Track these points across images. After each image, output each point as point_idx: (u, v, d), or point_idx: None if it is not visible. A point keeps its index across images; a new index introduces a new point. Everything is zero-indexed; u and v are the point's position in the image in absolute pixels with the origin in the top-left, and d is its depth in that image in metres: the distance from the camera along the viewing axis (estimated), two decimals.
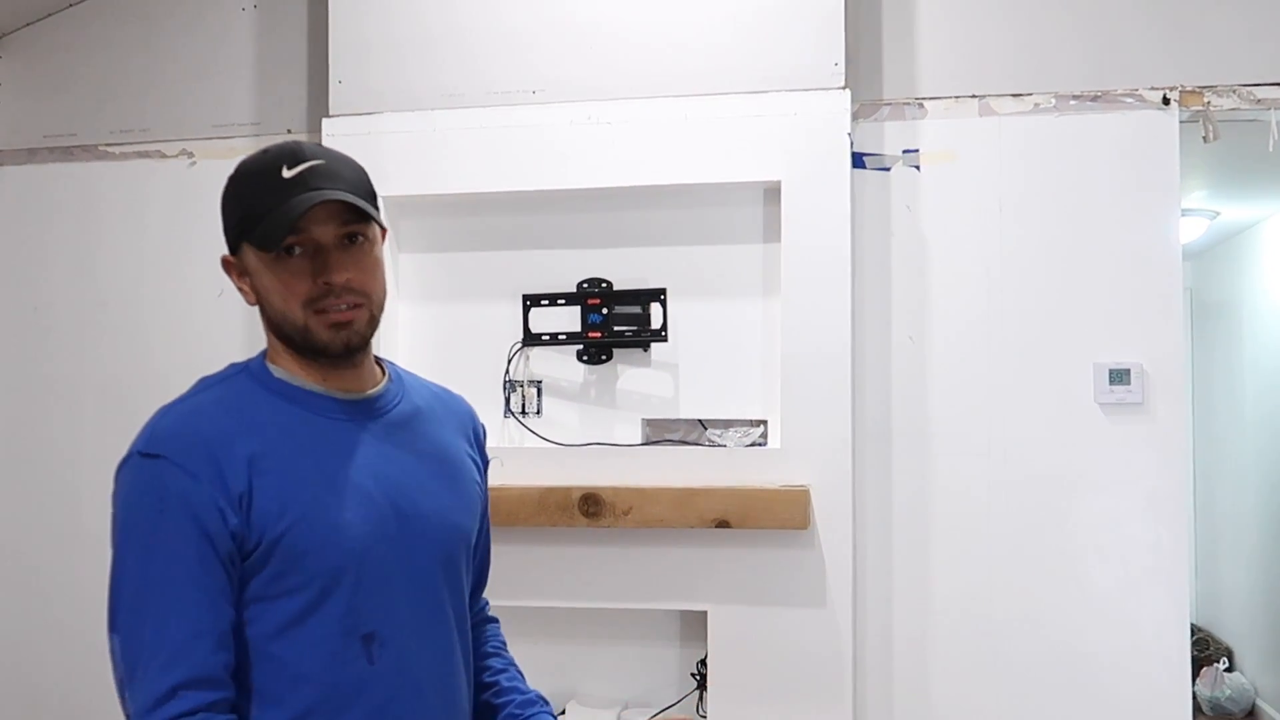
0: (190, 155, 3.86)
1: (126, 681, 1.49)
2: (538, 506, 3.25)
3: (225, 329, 3.79)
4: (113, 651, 1.52)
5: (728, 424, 3.36)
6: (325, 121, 3.53)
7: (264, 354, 1.77)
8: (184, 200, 3.85)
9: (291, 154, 1.65)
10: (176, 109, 3.88)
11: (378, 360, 1.82)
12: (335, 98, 3.54)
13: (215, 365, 3.76)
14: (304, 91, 3.79)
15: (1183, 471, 3.34)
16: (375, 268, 1.70)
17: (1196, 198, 5.27)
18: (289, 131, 3.79)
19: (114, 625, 1.53)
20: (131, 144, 3.90)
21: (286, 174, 1.63)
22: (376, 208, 1.72)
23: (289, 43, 3.81)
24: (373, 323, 1.71)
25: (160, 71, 3.91)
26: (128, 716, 1.49)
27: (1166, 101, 3.31)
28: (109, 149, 3.92)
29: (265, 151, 1.69)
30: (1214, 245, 6.48)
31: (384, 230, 1.77)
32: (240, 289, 1.75)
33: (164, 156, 3.88)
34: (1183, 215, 5.21)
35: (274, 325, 1.73)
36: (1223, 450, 6.66)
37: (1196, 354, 7.02)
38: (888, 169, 3.44)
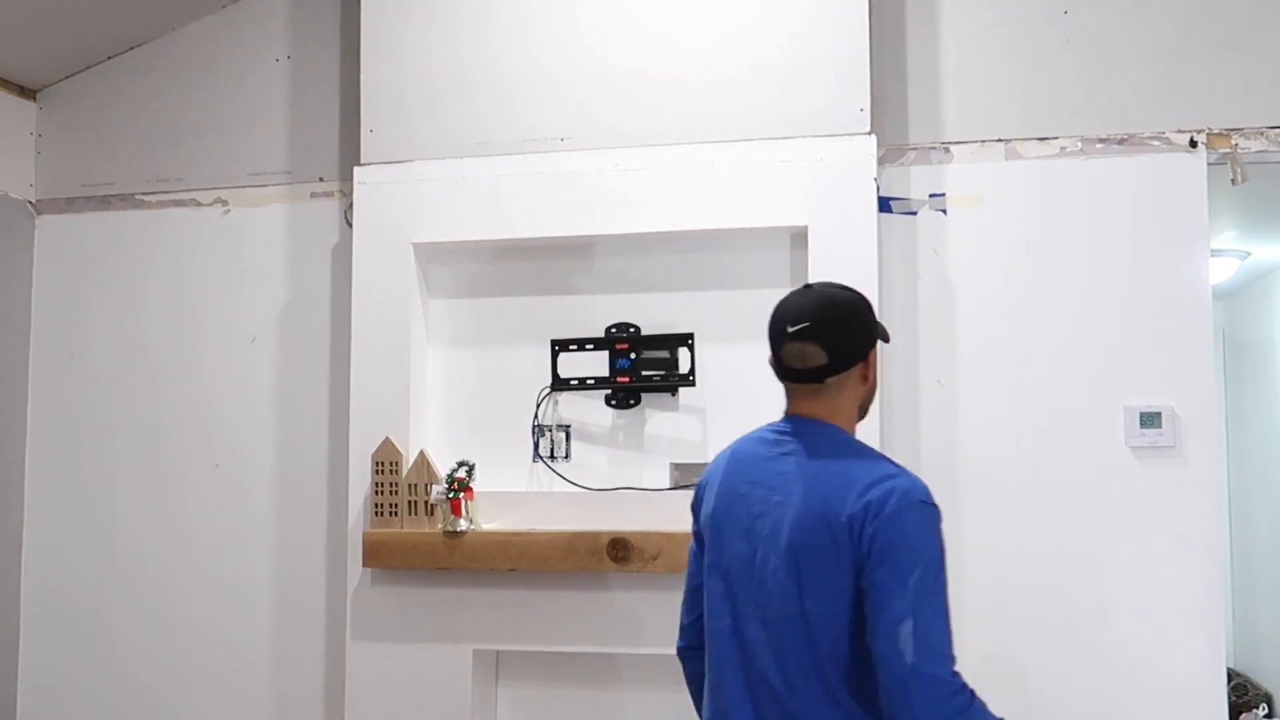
0: (225, 204, 3.92)
1: (935, 658, 1.89)
2: (566, 551, 3.25)
3: (257, 375, 3.84)
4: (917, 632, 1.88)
5: None
6: (357, 170, 3.58)
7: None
8: (219, 248, 3.92)
9: None
10: (211, 158, 3.95)
11: None
12: (367, 146, 3.60)
13: (248, 410, 3.84)
14: (336, 140, 3.84)
15: (1216, 515, 3.30)
16: None
17: (1227, 238, 5.24)
18: (320, 180, 3.84)
19: (928, 615, 1.90)
20: (167, 193, 3.97)
21: None
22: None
23: (321, 92, 3.88)
24: None
25: (195, 122, 3.99)
26: (927, 676, 1.87)
27: (1194, 144, 3.31)
28: (145, 198, 3.99)
29: None
30: (1246, 285, 6.44)
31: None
32: (865, 375, 2.16)
33: (199, 205, 3.95)
34: (1213, 256, 5.19)
35: (865, 403, 2.21)
36: (1258, 491, 6.57)
37: (1229, 395, 6.96)
38: (914, 213, 3.45)
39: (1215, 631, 3.22)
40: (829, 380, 2.13)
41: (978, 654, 3.28)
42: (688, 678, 2.36)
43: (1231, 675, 6.61)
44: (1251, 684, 6.61)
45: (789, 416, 2.21)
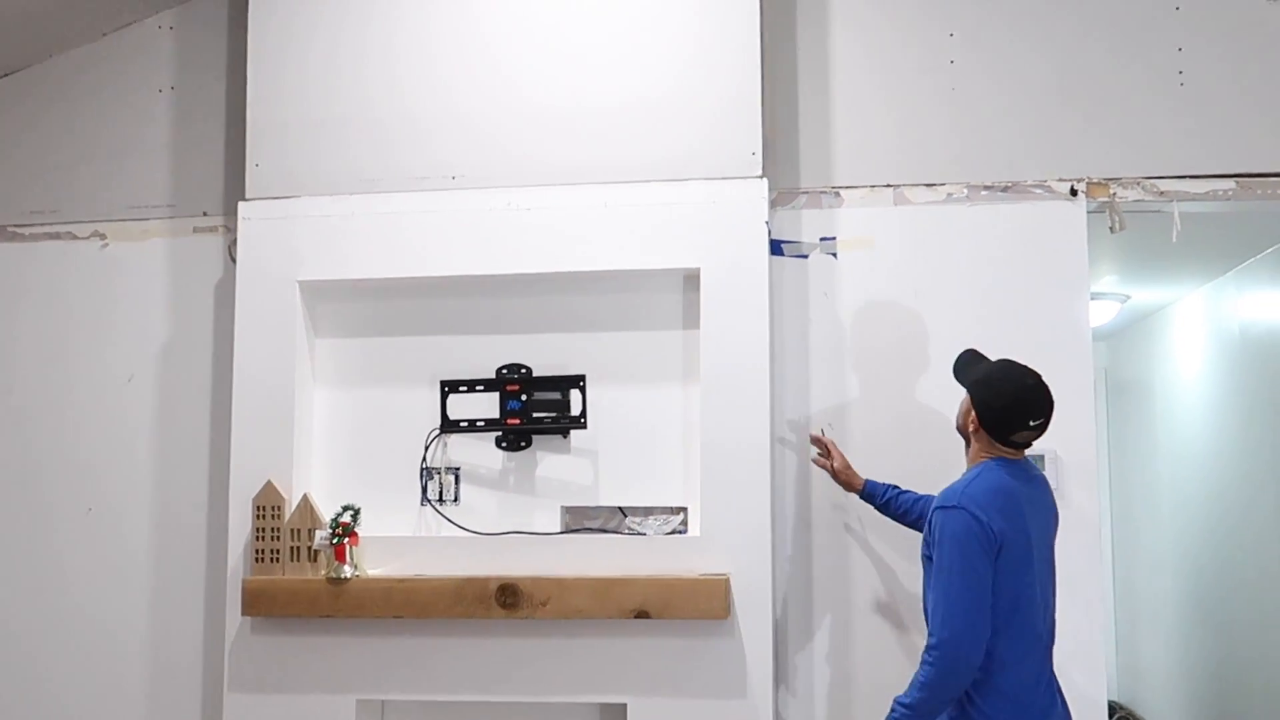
0: (103, 237, 3.79)
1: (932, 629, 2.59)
2: (454, 598, 3.18)
3: (134, 415, 3.71)
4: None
5: (648, 511, 3.34)
6: (242, 205, 3.49)
7: None
8: (96, 283, 3.78)
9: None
10: (89, 190, 3.82)
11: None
12: (252, 180, 3.51)
13: (124, 452, 3.71)
14: (221, 174, 3.75)
15: (1100, 556, 3.37)
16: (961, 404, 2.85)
17: (1108, 282, 5.39)
18: (204, 214, 3.74)
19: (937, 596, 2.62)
20: (42, 225, 3.83)
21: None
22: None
23: (206, 124, 3.78)
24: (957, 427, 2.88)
25: (73, 152, 3.85)
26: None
27: (1074, 193, 3.40)
28: (19, 230, 3.84)
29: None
30: (1127, 327, 6.63)
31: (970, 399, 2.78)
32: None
33: (75, 238, 3.81)
34: (1094, 299, 5.35)
35: None
36: (1140, 526, 6.75)
37: (1112, 432, 7.15)
38: (805, 256, 3.48)
39: (1097, 670, 3.27)
40: None
41: (866, 690, 3.31)
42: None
43: (1115, 708, 6.75)
44: (1134, 716, 6.77)
45: (1021, 460, 2.79)
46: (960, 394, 2.85)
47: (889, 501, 3.18)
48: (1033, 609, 2.68)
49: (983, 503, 2.63)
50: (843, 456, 3.26)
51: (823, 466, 3.28)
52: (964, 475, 2.77)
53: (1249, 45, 3.40)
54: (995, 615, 2.61)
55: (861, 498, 3.23)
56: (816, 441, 3.31)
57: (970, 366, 2.88)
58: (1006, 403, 2.72)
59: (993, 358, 2.92)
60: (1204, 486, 5.49)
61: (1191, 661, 5.83)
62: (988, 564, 2.60)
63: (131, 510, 3.69)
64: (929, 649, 2.59)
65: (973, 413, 2.75)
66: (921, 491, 3.15)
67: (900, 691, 2.62)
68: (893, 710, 2.62)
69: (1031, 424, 2.71)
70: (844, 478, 3.24)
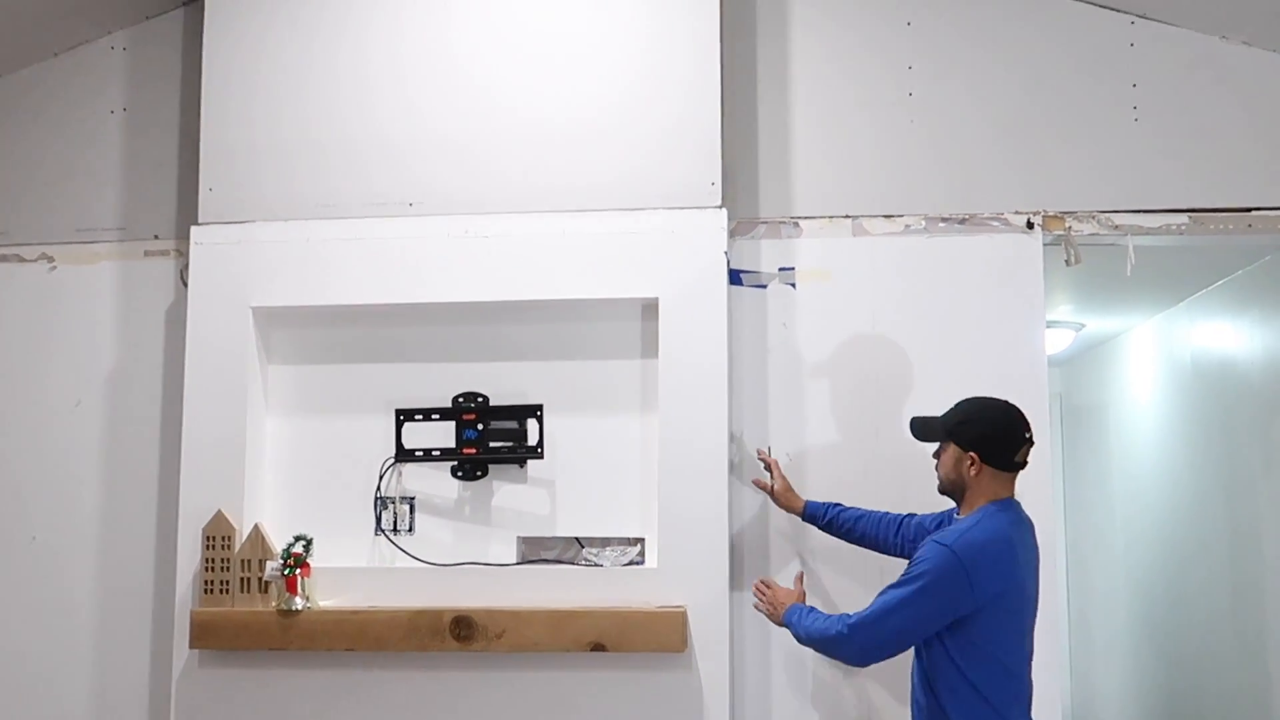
0: (51, 260, 3.73)
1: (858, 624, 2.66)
2: (407, 630, 3.14)
3: (81, 441, 3.64)
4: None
5: (605, 542, 3.31)
6: (194, 229, 3.44)
7: None
8: (43, 306, 3.71)
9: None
10: (37, 212, 3.76)
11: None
12: (205, 204, 3.46)
13: (70, 479, 3.64)
14: (174, 197, 3.69)
15: (1055, 585, 3.38)
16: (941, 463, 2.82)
17: (1063, 310, 5.44)
18: (156, 238, 3.68)
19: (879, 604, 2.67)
20: None
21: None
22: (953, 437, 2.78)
23: (159, 147, 3.72)
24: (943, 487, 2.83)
25: (21, 173, 3.79)
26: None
27: (1030, 226, 3.42)
28: None
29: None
30: (1081, 354, 6.70)
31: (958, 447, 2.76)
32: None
33: (23, 261, 3.74)
34: (1050, 327, 5.39)
35: None
36: (1093, 551, 6.80)
37: (1066, 456, 7.21)
38: (764, 286, 3.47)
39: (1053, 700, 3.27)
40: None
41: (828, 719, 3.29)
42: None
43: None
44: None
45: (1014, 499, 2.77)
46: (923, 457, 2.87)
47: (831, 520, 3.17)
48: (1024, 662, 2.70)
49: (977, 553, 2.61)
50: (784, 479, 3.25)
51: (762, 488, 3.26)
52: (967, 518, 2.73)
53: (1201, 82, 3.44)
54: (997, 671, 2.63)
55: (803, 519, 3.22)
56: (762, 460, 3.30)
57: (932, 423, 2.85)
58: (1002, 427, 2.73)
59: (948, 390, 2.96)
60: (1157, 514, 5.54)
61: (1145, 690, 5.87)
62: (944, 612, 2.61)
63: (77, 539, 3.61)
64: (850, 624, 2.65)
65: (970, 454, 2.72)
66: (868, 508, 3.16)
67: None
68: (793, 616, 2.82)
69: (1027, 435, 2.74)
70: (784, 500, 3.23)
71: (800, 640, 2.82)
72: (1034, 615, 2.77)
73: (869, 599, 2.71)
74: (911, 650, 2.74)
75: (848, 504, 3.22)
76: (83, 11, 3.66)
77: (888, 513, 3.12)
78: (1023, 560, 2.69)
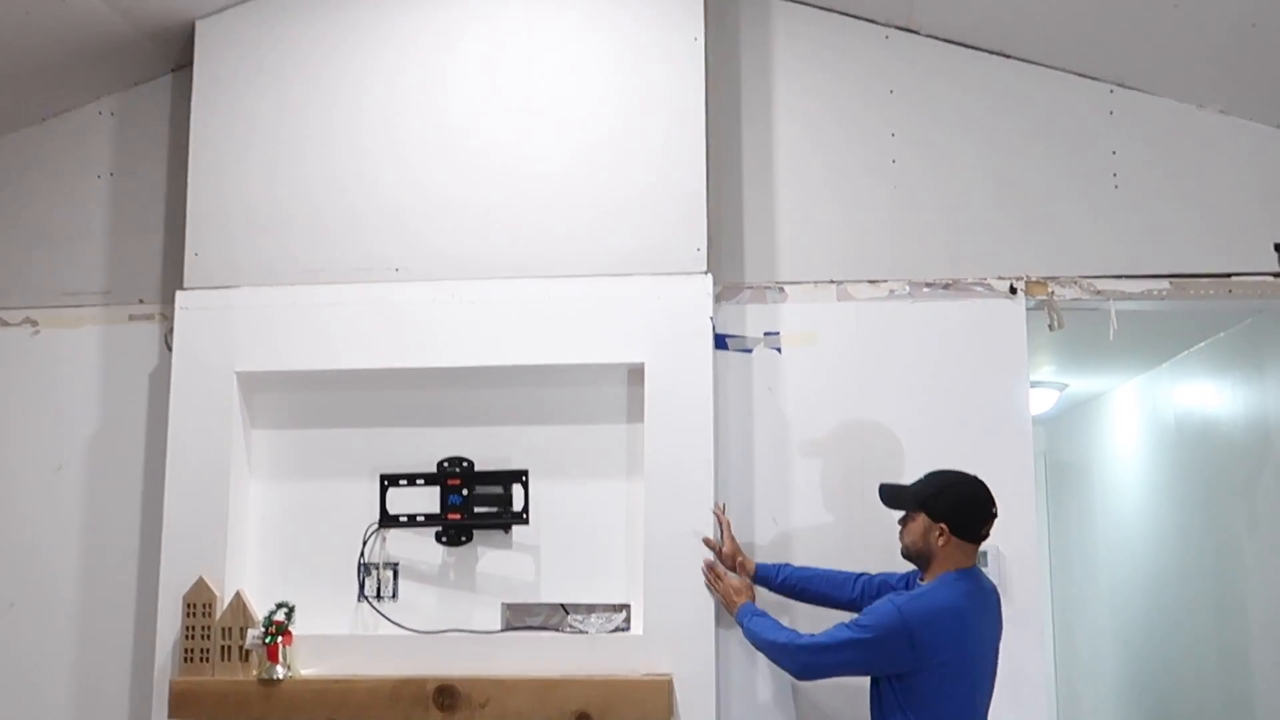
0: (34, 324, 3.72)
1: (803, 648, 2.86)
2: (390, 699, 3.10)
3: (62, 506, 3.61)
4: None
5: (590, 609, 3.28)
6: (180, 294, 3.44)
7: None
8: (26, 370, 3.70)
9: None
10: (22, 276, 3.75)
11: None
12: (191, 269, 3.47)
13: (50, 544, 3.60)
14: (159, 261, 3.69)
15: (1043, 650, 3.36)
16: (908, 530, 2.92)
17: (1046, 371, 5.47)
18: (141, 301, 3.68)
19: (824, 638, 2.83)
20: None
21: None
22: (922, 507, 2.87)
23: (145, 211, 3.73)
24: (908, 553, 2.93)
25: (7, 236, 3.79)
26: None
27: (1014, 290, 3.45)
28: None
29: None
30: (1065, 412, 6.72)
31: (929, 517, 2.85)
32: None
33: (6, 325, 3.73)
34: (1033, 387, 5.41)
35: None
36: (1080, 612, 6.78)
37: (1051, 513, 7.21)
38: (750, 350, 3.48)
39: None
40: None
41: None
42: None
43: None
44: None
45: (975, 568, 2.88)
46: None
47: (785, 581, 3.19)
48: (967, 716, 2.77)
49: (924, 620, 2.72)
50: (733, 541, 3.22)
51: (711, 547, 3.21)
52: (926, 584, 2.85)
53: (1180, 149, 3.49)
54: None
55: (756, 583, 3.19)
56: (716, 515, 3.25)
57: (902, 492, 2.95)
58: (970, 501, 2.84)
59: (934, 452, 3.04)
60: (1143, 574, 5.53)
61: None
62: (884, 664, 2.76)
63: (56, 606, 3.57)
64: (798, 644, 2.86)
65: (939, 526, 2.82)
66: (824, 567, 3.20)
67: None
68: (746, 615, 3.01)
69: (994, 510, 2.84)
70: (731, 563, 3.19)
71: (747, 638, 3.01)
72: (990, 681, 2.85)
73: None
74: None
75: (830, 567, 3.22)
76: (73, 78, 3.68)
77: (842, 571, 3.16)
78: (976, 629, 2.79)
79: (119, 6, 3.42)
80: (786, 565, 3.22)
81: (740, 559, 3.21)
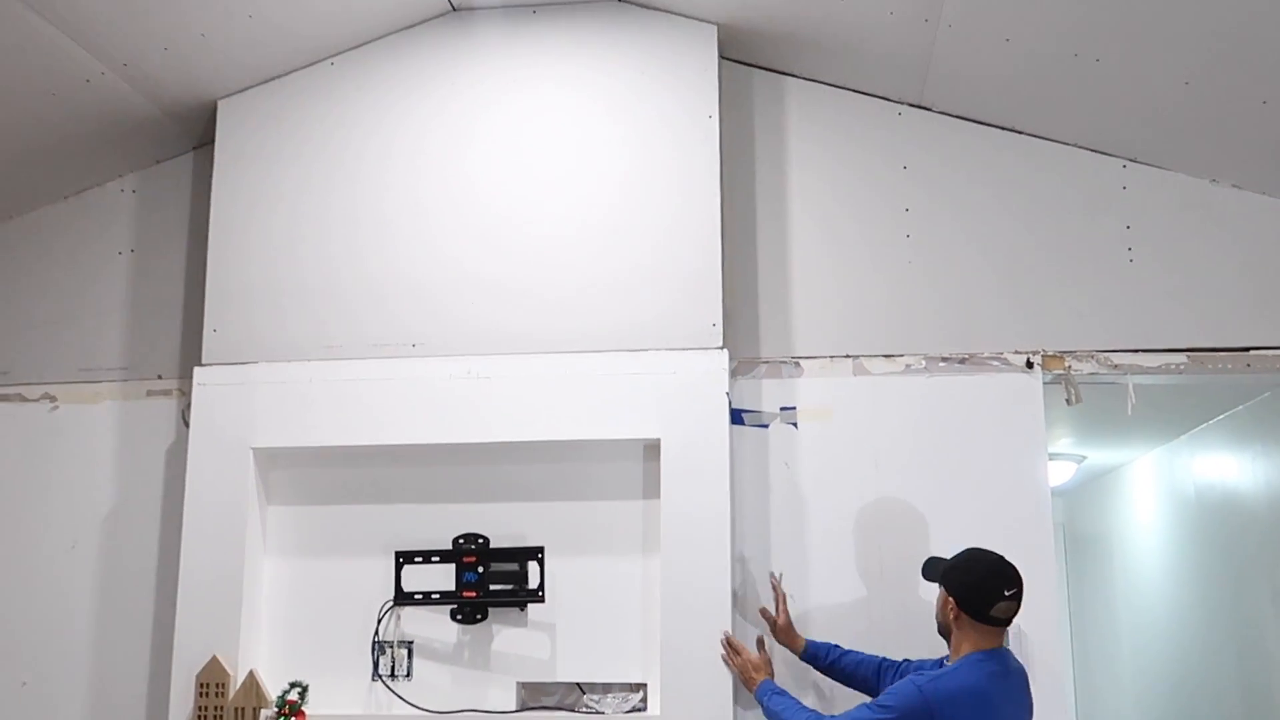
0: (53, 399, 3.73)
1: None
2: None
3: (75, 584, 3.60)
4: None
5: (606, 688, 3.24)
6: (198, 370, 3.46)
7: None
8: (42, 446, 3.71)
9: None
10: (41, 351, 3.78)
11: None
12: (209, 345, 3.48)
13: (63, 622, 3.58)
14: (178, 337, 3.71)
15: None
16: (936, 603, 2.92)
17: (1064, 443, 5.45)
18: (159, 377, 3.69)
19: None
20: None
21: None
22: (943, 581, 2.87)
23: (165, 288, 3.76)
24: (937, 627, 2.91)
25: (27, 312, 3.82)
26: None
27: (1030, 365, 3.44)
28: None
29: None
30: (1085, 484, 6.68)
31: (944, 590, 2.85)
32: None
33: (25, 400, 3.74)
34: (1051, 459, 5.38)
35: None
36: (1101, 686, 6.68)
37: (1072, 587, 7.14)
38: (766, 426, 3.47)
39: None
40: None
41: None
42: None
43: None
44: None
45: (1002, 649, 2.82)
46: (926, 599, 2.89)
47: (834, 663, 3.15)
48: None
49: (945, 701, 2.67)
50: (788, 614, 3.22)
51: (767, 619, 3.23)
52: (950, 665, 2.80)
53: (1194, 224, 3.49)
54: None
55: (803, 659, 3.18)
56: (773, 587, 3.26)
57: (936, 565, 2.94)
58: (980, 578, 2.79)
59: (952, 527, 3.03)
60: (1165, 646, 5.45)
61: None
62: None
63: (68, 685, 3.54)
64: None
65: (951, 600, 2.79)
66: (870, 652, 3.14)
67: None
68: (765, 694, 2.98)
69: (1007, 593, 2.76)
70: (785, 636, 3.21)
71: (768, 717, 2.96)
72: None
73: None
74: None
75: (847, 645, 3.19)
76: (97, 156, 3.74)
77: (879, 656, 3.13)
78: (1000, 712, 2.73)
79: (143, 88, 3.48)
80: (836, 647, 3.18)
81: (793, 634, 3.21)
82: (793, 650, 3.20)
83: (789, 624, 3.21)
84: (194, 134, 3.76)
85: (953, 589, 2.80)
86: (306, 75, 3.60)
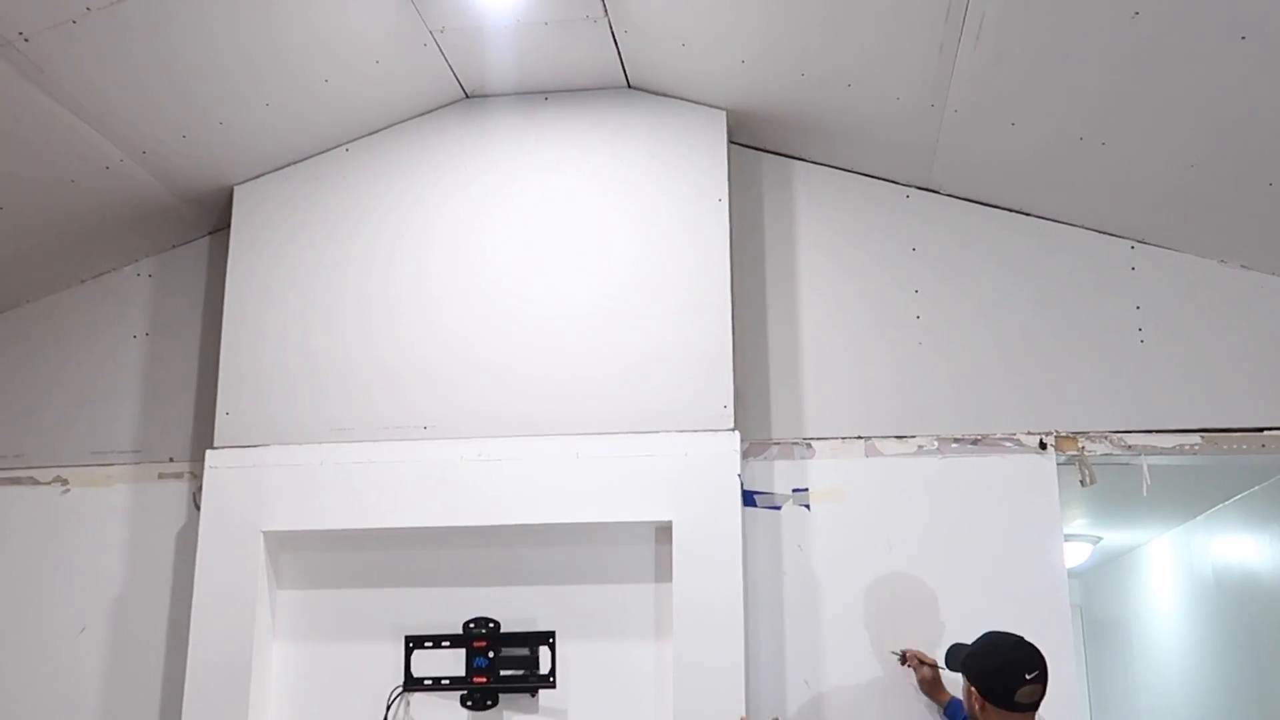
0: (65, 483, 3.74)
1: None
2: None
3: (83, 670, 3.57)
4: None
5: None
6: (209, 453, 3.46)
7: None
8: (53, 529, 3.70)
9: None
10: (54, 435, 3.79)
11: None
12: (221, 428, 3.49)
13: (70, 710, 3.53)
14: (190, 421, 3.72)
15: None
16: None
17: (1079, 524, 5.40)
18: (170, 460, 3.70)
19: None
20: (3, 470, 3.77)
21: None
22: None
23: (178, 371, 3.78)
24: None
25: (40, 396, 3.83)
26: None
27: (1044, 446, 3.42)
28: None
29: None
30: (1101, 565, 6.61)
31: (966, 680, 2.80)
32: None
33: (36, 484, 3.75)
34: (1067, 540, 5.34)
35: None
36: None
37: (1090, 669, 7.03)
38: (778, 508, 3.45)
39: None
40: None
41: None
42: None
43: None
44: None
45: None
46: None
47: None
48: None
49: None
50: (934, 667, 3.21)
51: (924, 662, 3.21)
52: None
53: (1204, 304, 3.50)
54: None
55: (945, 715, 3.18)
56: (904, 655, 3.26)
57: (957, 653, 2.91)
58: (999, 664, 2.74)
59: (967, 609, 3.02)
60: None
61: None
62: None
63: None
64: None
65: (974, 690, 2.75)
66: None
67: None
68: None
69: (1028, 677, 2.71)
70: (928, 688, 3.21)
71: None
72: None
73: None
74: None
75: None
76: (113, 241, 3.79)
77: None
78: None
79: (161, 175, 3.54)
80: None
81: (938, 686, 3.19)
82: (937, 702, 3.21)
83: (936, 676, 3.19)
84: (210, 219, 3.81)
85: (973, 678, 2.76)
86: (321, 161, 3.66)
